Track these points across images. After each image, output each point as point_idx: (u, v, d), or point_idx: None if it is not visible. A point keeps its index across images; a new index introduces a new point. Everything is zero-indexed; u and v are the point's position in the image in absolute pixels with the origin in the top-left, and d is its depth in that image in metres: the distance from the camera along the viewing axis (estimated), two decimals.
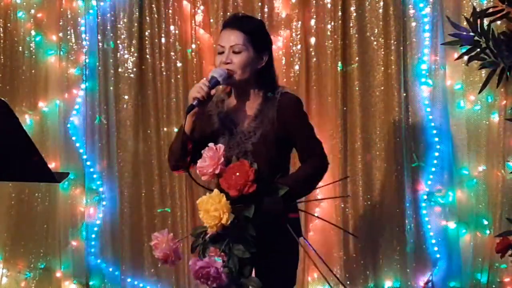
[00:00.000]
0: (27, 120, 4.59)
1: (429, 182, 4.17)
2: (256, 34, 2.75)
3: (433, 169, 4.15)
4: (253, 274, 2.68)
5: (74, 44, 4.55)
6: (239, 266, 2.47)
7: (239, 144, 2.72)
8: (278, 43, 4.31)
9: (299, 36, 4.26)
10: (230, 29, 2.73)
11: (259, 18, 2.89)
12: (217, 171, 2.48)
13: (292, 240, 2.65)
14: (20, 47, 4.62)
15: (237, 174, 2.44)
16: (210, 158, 2.49)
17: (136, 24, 4.47)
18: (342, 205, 4.23)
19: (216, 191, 2.47)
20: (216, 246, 2.47)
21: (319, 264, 4.19)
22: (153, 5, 4.45)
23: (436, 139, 4.15)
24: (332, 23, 4.21)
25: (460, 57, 3.83)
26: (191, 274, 2.47)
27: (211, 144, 2.52)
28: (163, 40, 4.45)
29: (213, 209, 2.42)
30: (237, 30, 2.72)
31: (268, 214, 2.54)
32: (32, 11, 4.60)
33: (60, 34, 4.55)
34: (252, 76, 2.75)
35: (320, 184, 2.82)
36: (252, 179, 2.44)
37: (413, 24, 4.17)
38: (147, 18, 4.47)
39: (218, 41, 2.79)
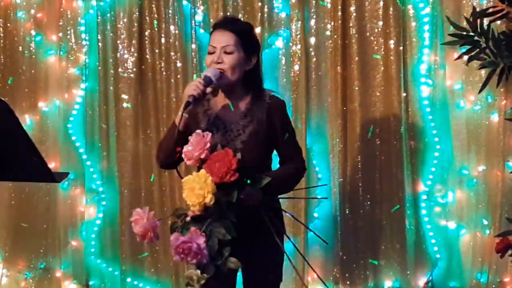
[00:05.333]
0: (27, 120, 4.58)
1: (429, 182, 4.17)
2: (247, 36, 2.82)
3: (433, 169, 4.16)
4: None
5: (74, 44, 4.54)
6: (219, 247, 2.50)
7: (228, 142, 2.78)
8: (278, 43, 4.31)
9: (299, 36, 4.26)
10: (222, 30, 2.80)
11: (249, 22, 3.03)
12: (202, 156, 2.54)
13: (273, 236, 2.68)
14: (20, 47, 4.61)
15: (220, 162, 2.50)
16: (197, 143, 2.56)
17: (136, 24, 4.47)
18: (342, 205, 4.23)
19: (203, 171, 2.51)
20: (197, 226, 2.50)
21: (318, 265, 4.23)
22: (153, 5, 4.45)
23: (436, 139, 4.15)
24: (332, 23, 4.22)
25: (460, 57, 3.83)
26: (171, 249, 2.46)
27: (198, 131, 2.59)
28: (163, 40, 4.45)
29: (198, 188, 2.46)
30: (229, 31, 2.78)
31: (247, 202, 2.61)
32: (32, 11, 4.59)
33: (60, 34, 4.54)
34: (241, 76, 2.82)
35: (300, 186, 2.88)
36: (234, 168, 2.50)
37: (413, 24, 4.17)
38: (147, 18, 4.46)
39: (210, 41, 2.84)
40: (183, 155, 2.59)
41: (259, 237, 2.73)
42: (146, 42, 4.48)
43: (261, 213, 2.67)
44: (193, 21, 4.39)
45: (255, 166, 2.69)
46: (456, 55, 3.97)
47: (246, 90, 2.84)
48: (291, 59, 4.27)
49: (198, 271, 2.46)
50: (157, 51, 4.46)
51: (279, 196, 2.94)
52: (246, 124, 2.79)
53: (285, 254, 2.82)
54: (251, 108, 2.81)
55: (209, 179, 2.47)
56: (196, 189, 2.46)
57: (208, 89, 2.73)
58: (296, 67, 4.27)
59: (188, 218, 2.53)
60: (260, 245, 2.76)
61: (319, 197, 4.23)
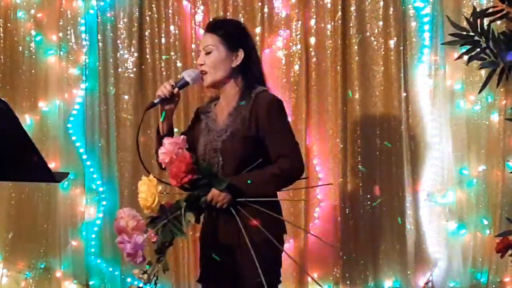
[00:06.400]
0: (27, 120, 4.58)
1: (429, 182, 4.17)
2: (227, 33, 2.83)
3: (433, 169, 4.16)
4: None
5: (74, 44, 4.54)
6: (161, 249, 2.54)
7: (211, 142, 2.80)
8: (278, 43, 4.31)
9: (299, 36, 4.26)
10: (205, 33, 2.88)
11: (237, 20, 3.06)
12: (166, 160, 2.61)
13: (264, 237, 2.66)
14: (20, 47, 4.61)
15: (177, 165, 2.57)
16: (165, 147, 2.62)
17: (136, 24, 4.47)
18: (342, 205, 4.23)
19: (151, 176, 2.61)
20: (150, 226, 2.56)
21: (318, 265, 4.23)
22: (153, 5, 4.45)
23: (436, 139, 4.15)
24: (332, 23, 4.22)
25: (460, 57, 3.82)
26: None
27: (175, 136, 2.67)
28: (163, 40, 4.45)
29: (141, 191, 2.57)
30: (209, 33, 2.85)
31: (213, 204, 2.65)
32: (32, 11, 4.59)
33: (60, 34, 4.54)
34: (230, 74, 2.83)
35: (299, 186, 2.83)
36: (184, 170, 2.55)
37: (413, 24, 4.17)
38: (147, 18, 4.47)
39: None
40: (159, 159, 2.65)
41: (243, 241, 2.67)
42: (146, 42, 4.48)
43: (235, 215, 2.67)
44: (193, 21, 4.39)
45: (238, 165, 2.71)
46: (456, 55, 3.97)
47: (238, 88, 2.85)
48: (291, 59, 4.27)
49: (137, 271, 2.52)
50: (157, 51, 4.46)
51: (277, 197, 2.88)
52: (230, 123, 2.79)
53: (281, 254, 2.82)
54: (237, 107, 2.80)
55: (153, 183, 2.55)
56: (141, 192, 2.57)
57: (176, 90, 2.77)
58: (296, 67, 4.27)
59: (148, 219, 2.59)
60: (247, 250, 2.67)
61: (302, 198, 4.17)
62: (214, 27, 2.86)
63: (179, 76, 2.84)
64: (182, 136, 2.65)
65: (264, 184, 2.73)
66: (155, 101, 2.77)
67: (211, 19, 3.00)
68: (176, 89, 2.78)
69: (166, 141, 2.63)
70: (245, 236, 2.62)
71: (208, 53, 2.81)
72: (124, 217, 2.52)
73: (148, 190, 2.55)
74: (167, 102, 2.79)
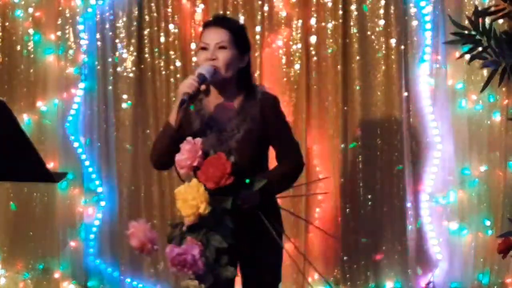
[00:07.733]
0: (25, 120, 4.56)
1: (430, 182, 4.15)
2: (240, 34, 2.80)
3: (435, 169, 4.14)
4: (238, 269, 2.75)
5: (72, 43, 4.52)
6: (216, 255, 2.47)
7: (223, 142, 2.74)
8: (278, 42, 4.29)
9: (299, 35, 4.24)
10: (215, 27, 2.77)
11: (239, 21, 3.02)
12: (194, 164, 2.51)
13: (273, 236, 2.66)
14: (18, 46, 4.58)
15: (214, 167, 2.47)
16: (188, 151, 2.52)
17: (135, 23, 4.45)
18: (342, 205, 4.22)
19: (194, 180, 2.48)
20: (193, 235, 2.47)
21: (319, 266, 4.22)
22: (152, 4, 4.42)
23: (438, 139, 4.13)
24: (333, 22, 4.20)
25: (461, 56, 3.80)
26: (168, 261, 2.45)
27: (189, 138, 2.55)
28: (162, 39, 4.42)
29: (191, 198, 2.43)
30: (223, 28, 2.76)
31: (244, 206, 2.59)
32: (30, 10, 4.56)
33: (59, 33, 4.52)
34: (235, 75, 2.78)
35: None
36: (229, 172, 2.48)
37: (414, 23, 4.16)
38: (146, 16, 4.44)
39: (201, 39, 2.80)
40: (175, 164, 2.55)
41: (255, 239, 2.71)
42: (146, 41, 4.46)
43: (259, 215, 2.64)
44: (192, 20, 4.37)
45: (251, 165, 2.68)
46: (457, 54, 3.96)
47: (239, 89, 2.81)
48: (291, 58, 4.26)
49: (196, 281, 2.45)
50: (156, 50, 4.44)
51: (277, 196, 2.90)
52: (240, 122, 2.75)
53: (283, 253, 2.81)
54: (244, 106, 2.77)
55: (201, 189, 2.45)
56: (189, 199, 2.44)
57: (202, 87, 2.70)
58: (297, 67, 4.25)
59: (184, 228, 2.50)
60: (257, 247, 2.74)
61: (318, 192, 4.17)
62: (227, 23, 2.80)
63: (196, 72, 2.70)
64: (198, 139, 2.56)
65: (282, 184, 2.79)
66: (185, 98, 2.63)
67: (214, 14, 2.95)
68: (202, 86, 2.69)
69: (187, 145, 2.54)
70: (274, 235, 2.61)
71: (221, 48, 2.72)
72: (141, 230, 2.46)
73: (202, 196, 2.43)
74: (192, 99, 2.69)
